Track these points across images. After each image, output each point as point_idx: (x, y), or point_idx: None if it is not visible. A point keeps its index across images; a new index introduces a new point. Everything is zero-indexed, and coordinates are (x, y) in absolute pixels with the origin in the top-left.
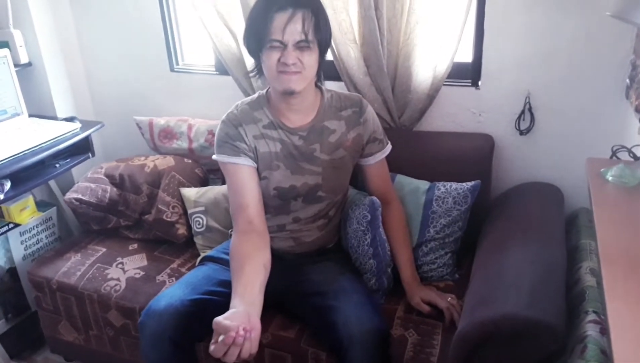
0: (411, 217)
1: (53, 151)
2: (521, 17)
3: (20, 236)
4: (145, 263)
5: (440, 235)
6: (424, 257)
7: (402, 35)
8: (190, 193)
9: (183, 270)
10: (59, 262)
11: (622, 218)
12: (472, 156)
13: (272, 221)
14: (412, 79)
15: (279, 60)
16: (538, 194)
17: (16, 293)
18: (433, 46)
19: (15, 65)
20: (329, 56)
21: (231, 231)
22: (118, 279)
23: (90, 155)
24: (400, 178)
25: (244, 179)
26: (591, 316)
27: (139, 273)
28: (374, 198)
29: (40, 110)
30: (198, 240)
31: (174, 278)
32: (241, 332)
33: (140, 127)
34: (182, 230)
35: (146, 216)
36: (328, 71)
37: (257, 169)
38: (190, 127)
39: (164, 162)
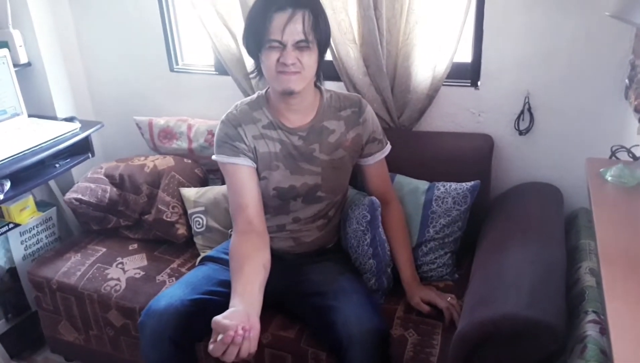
0: (411, 217)
1: (53, 151)
2: (521, 17)
3: (20, 236)
4: (145, 263)
5: (439, 234)
6: (423, 257)
7: (402, 36)
8: (190, 193)
9: (183, 270)
10: (59, 262)
11: (621, 218)
12: (472, 156)
13: (271, 221)
14: (412, 79)
15: (278, 60)
16: (537, 194)
17: (16, 293)
18: (432, 46)
19: (15, 65)
20: (329, 56)
21: (231, 231)
22: (118, 279)
23: (90, 155)
24: (400, 178)
25: (244, 180)
26: (591, 316)
27: (139, 273)
28: (374, 198)
29: (40, 110)
30: (198, 240)
31: (174, 278)
32: (240, 331)
33: (140, 128)
34: (182, 230)
35: (146, 216)
36: (327, 71)
37: (257, 169)
38: (189, 127)
39: (164, 162)
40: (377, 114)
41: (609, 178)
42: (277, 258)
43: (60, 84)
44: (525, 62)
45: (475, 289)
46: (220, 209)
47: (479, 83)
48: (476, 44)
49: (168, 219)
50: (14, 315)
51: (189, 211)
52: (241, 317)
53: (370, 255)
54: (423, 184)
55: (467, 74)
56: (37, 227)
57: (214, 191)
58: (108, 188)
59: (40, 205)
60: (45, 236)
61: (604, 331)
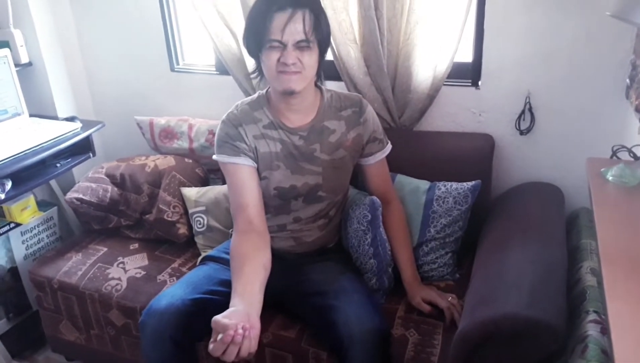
0: (411, 217)
1: (54, 150)
2: (521, 17)
3: (22, 235)
4: (146, 262)
5: (440, 234)
6: (424, 257)
7: (402, 35)
8: (190, 192)
9: (184, 269)
10: (60, 262)
11: (622, 217)
12: (473, 156)
13: (272, 221)
14: (412, 79)
15: (278, 60)
16: (538, 194)
17: (17, 293)
18: (433, 45)
19: (16, 65)
20: (329, 56)
21: (232, 230)
22: (119, 279)
23: (91, 155)
24: (401, 177)
25: (244, 179)
26: (592, 316)
27: (140, 273)
28: (375, 197)
29: (41, 110)
30: (199, 240)
31: (174, 278)
32: (240, 331)
33: (140, 127)
34: (182, 230)
35: (147, 216)
36: (328, 70)
37: (258, 169)
38: (190, 127)
39: (165, 162)
40: (377, 114)
41: (610, 178)
42: (278, 257)
43: (61, 83)
44: (526, 62)
45: (476, 289)
46: (221, 209)
47: (479, 83)
48: (477, 44)
49: (169, 219)
50: (15, 314)
51: (190, 211)
52: (241, 317)
53: (371, 254)
54: (424, 184)
55: (468, 73)
56: (38, 227)
57: (215, 190)
58: (109, 187)
59: (42, 205)
60: (47, 235)
61: (605, 331)
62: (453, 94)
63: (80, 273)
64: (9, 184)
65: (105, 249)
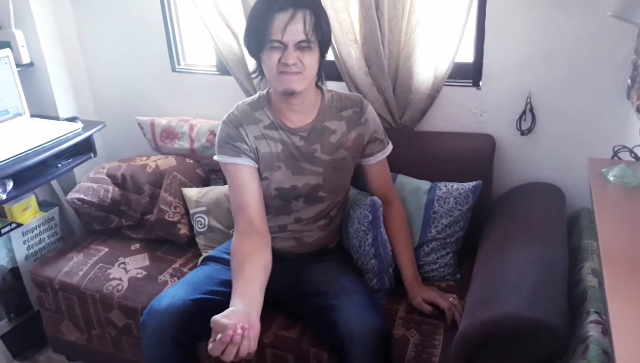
0: (412, 217)
1: (55, 151)
2: (522, 17)
3: (23, 236)
4: (147, 263)
5: (441, 235)
6: (425, 257)
7: (403, 36)
8: (192, 193)
9: (185, 269)
10: (61, 262)
11: (623, 218)
12: (474, 156)
13: (273, 221)
14: (413, 79)
15: (279, 60)
16: (539, 194)
17: (18, 293)
18: (434, 46)
19: (17, 65)
20: (330, 56)
21: (233, 231)
22: (120, 279)
23: (92, 155)
24: (402, 178)
25: (245, 180)
26: (593, 317)
27: (141, 273)
28: (375, 198)
29: (42, 110)
30: (200, 240)
31: (176, 278)
32: (239, 331)
33: (142, 128)
34: (184, 230)
35: (148, 216)
36: (329, 71)
37: (258, 169)
38: (191, 127)
39: (166, 162)
40: (378, 114)
41: (611, 178)
42: (279, 258)
43: (62, 84)
44: (527, 62)
45: (477, 289)
46: (222, 209)
47: (480, 83)
48: (478, 44)
49: (170, 219)
50: (17, 314)
51: (191, 211)
52: (240, 316)
53: (372, 255)
54: (425, 185)
55: (469, 74)
56: (39, 227)
57: (216, 191)
58: (110, 188)
59: (43, 205)
60: (48, 236)
61: (606, 331)
62: (454, 95)
63: (81, 273)
64: (10, 185)
65: (106, 249)
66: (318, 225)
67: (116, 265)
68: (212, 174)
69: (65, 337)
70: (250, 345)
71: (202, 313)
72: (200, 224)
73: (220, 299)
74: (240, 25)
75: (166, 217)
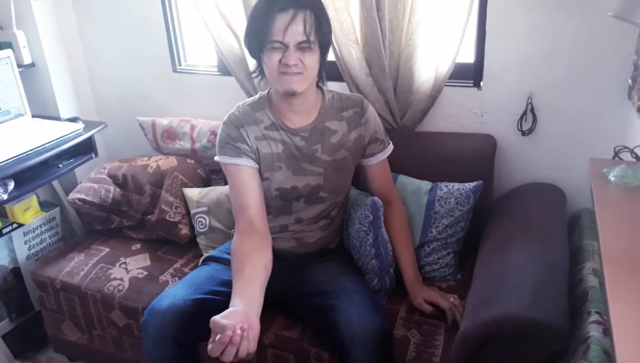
0: (413, 217)
1: (56, 151)
2: (523, 17)
3: (24, 236)
4: (148, 263)
5: (442, 235)
6: (426, 257)
7: (404, 36)
8: (192, 193)
9: (186, 270)
10: (63, 262)
11: (624, 218)
12: (474, 157)
13: (274, 221)
14: (414, 80)
15: (280, 61)
16: (540, 194)
17: (20, 293)
18: (435, 46)
19: (19, 66)
20: (331, 57)
21: (233, 231)
22: (121, 279)
23: (93, 155)
24: (403, 178)
25: (246, 180)
26: (594, 317)
27: (142, 273)
28: (376, 198)
29: (44, 110)
30: (201, 240)
31: (176, 278)
32: (238, 331)
33: (143, 128)
34: (185, 230)
35: (149, 217)
36: (330, 71)
37: (259, 170)
38: (192, 127)
39: (167, 162)
40: (379, 115)
41: (612, 179)
42: (280, 258)
43: (63, 84)
44: (527, 62)
45: (478, 289)
46: (223, 209)
47: (481, 83)
48: (479, 45)
49: (171, 220)
50: (18, 314)
51: (192, 212)
52: (240, 317)
53: (372, 255)
54: (426, 185)
55: (470, 74)
56: (40, 227)
57: (217, 191)
58: (111, 188)
59: (44, 205)
60: (49, 236)
61: (607, 332)
62: (455, 95)
63: (82, 273)
64: (11, 185)
65: (107, 249)
66: (319, 225)
67: (117, 265)
68: (213, 175)
69: (66, 337)
70: (249, 345)
71: (203, 313)
72: (201, 225)
73: (221, 299)
74: (241, 25)
75: (167, 217)
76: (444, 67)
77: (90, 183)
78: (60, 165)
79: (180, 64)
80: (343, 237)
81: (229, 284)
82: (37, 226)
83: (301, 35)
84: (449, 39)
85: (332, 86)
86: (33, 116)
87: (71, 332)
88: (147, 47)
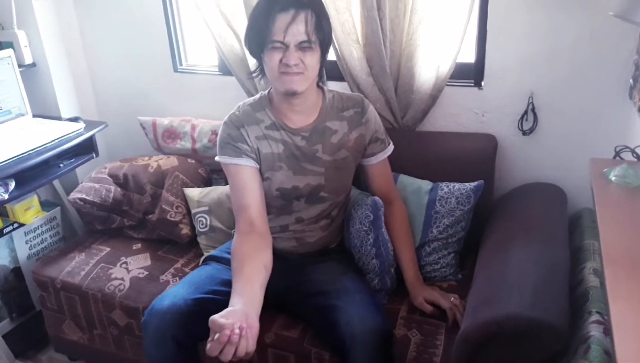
0: (414, 217)
1: (57, 151)
2: (524, 16)
3: (25, 235)
4: (149, 262)
5: (443, 235)
6: (427, 257)
7: (405, 36)
8: (193, 193)
9: (187, 269)
10: (63, 262)
11: (625, 218)
12: (475, 157)
13: (275, 221)
14: (415, 80)
15: (280, 61)
16: (541, 194)
17: (20, 293)
18: (436, 46)
19: (20, 65)
20: (332, 57)
21: (234, 231)
22: (122, 279)
23: (94, 155)
24: (403, 178)
25: (246, 181)
26: (594, 317)
27: (143, 273)
28: (377, 198)
29: (45, 110)
30: (201, 240)
31: (177, 278)
32: (236, 331)
33: (144, 128)
34: (185, 230)
35: (150, 216)
36: (331, 71)
37: (260, 170)
38: (193, 127)
39: (168, 162)
40: (380, 115)
41: (613, 178)
42: (280, 258)
43: (64, 84)
44: (528, 62)
45: (479, 289)
46: (223, 209)
47: (482, 83)
48: (479, 44)
49: (172, 219)
50: (19, 314)
51: (193, 211)
52: (238, 316)
53: (373, 255)
54: (426, 185)
55: (471, 74)
56: (41, 227)
57: (218, 191)
58: (112, 187)
59: (45, 205)
60: (50, 235)
61: (607, 332)
62: (456, 95)
63: (83, 273)
64: (12, 185)
65: (108, 249)
66: (319, 225)
67: (118, 264)
68: (213, 174)
69: (67, 336)
70: (248, 344)
71: (204, 312)
72: (202, 224)
73: (221, 299)
74: (242, 25)
75: (168, 217)
76: (445, 67)
77: (91, 182)
78: (61, 165)
79: (181, 64)
80: (344, 237)
81: (229, 284)
82: (38, 226)
83: (302, 35)
84: (450, 38)
85: (333, 85)
86: (34, 116)
87: (72, 332)
88: (148, 47)
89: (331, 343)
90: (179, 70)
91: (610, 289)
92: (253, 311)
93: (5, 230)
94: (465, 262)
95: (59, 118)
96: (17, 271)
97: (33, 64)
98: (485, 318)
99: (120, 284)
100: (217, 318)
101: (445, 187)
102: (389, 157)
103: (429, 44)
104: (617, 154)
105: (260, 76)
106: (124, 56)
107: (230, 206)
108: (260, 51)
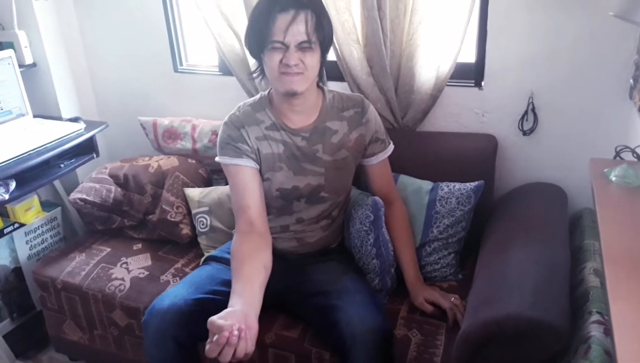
0: (414, 217)
1: (58, 151)
2: (524, 16)
3: (25, 236)
4: (149, 263)
5: (443, 235)
6: (427, 257)
7: (405, 36)
8: (194, 193)
9: (187, 269)
10: (64, 262)
11: (625, 218)
12: (476, 157)
13: (275, 221)
14: (415, 80)
15: (281, 61)
16: (541, 194)
17: (21, 293)
18: (436, 46)
19: (20, 66)
20: (333, 57)
21: (234, 231)
22: (122, 279)
23: (94, 155)
24: (404, 178)
25: (246, 181)
26: (595, 317)
27: (143, 273)
28: (377, 198)
29: (45, 110)
30: (202, 240)
31: (178, 278)
32: (235, 332)
33: (144, 128)
34: (186, 230)
35: (150, 216)
36: (331, 71)
37: (260, 170)
38: (194, 127)
39: (168, 162)
40: (380, 115)
41: (613, 178)
42: (281, 258)
43: (65, 84)
44: (529, 62)
45: (479, 289)
46: (224, 209)
47: (482, 83)
48: (480, 44)
49: (172, 220)
50: (19, 314)
51: (193, 211)
52: (237, 317)
53: (373, 255)
54: (427, 185)
55: (471, 74)
56: (42, 227)
57: (218, 191)
58: (112, 188)
59: (45, 205)
60: (50, 236)
61: (608, 332)
62: (456, 95)
63: (83, 273)
64: (13, 185)
65: (108, 249)
66: (320, 225)
67: (118, 265)
68: (214, 175)
69: (67, 336)
70: (247, 346)
71: (204, 313)
72: (203, 225)
73: (222, 299)
74: (242, 25)
75: (168, 217)
76: (445, 67)
77: (92, 182)
78: (62, 165)
79: (181, 64)
80: (344, 237)
81: (230, 284)
82: (38, 226)
83: (302, 35)
84: (450, 38)
85: (333, 85)
86: (34, 116)
87: (72, 332)
88: (148, 47)
89: (331, 343)
90: (179, 70)
91: (611, 289)
92: (252, 311)
93: (5, 230)
94: (465, 262)
95: (59, 118)
96: (17, 271)
97: (33, 65)
98: (486, 318)
99: (120, 284)
100: (215, 319)
101: (446, 187)
102: (390, 157)
103: (430, 44)
104: (618, 154)
105: (260, 76)
106: (124, 56)
107: (231, 206)
108: (260, 51)
